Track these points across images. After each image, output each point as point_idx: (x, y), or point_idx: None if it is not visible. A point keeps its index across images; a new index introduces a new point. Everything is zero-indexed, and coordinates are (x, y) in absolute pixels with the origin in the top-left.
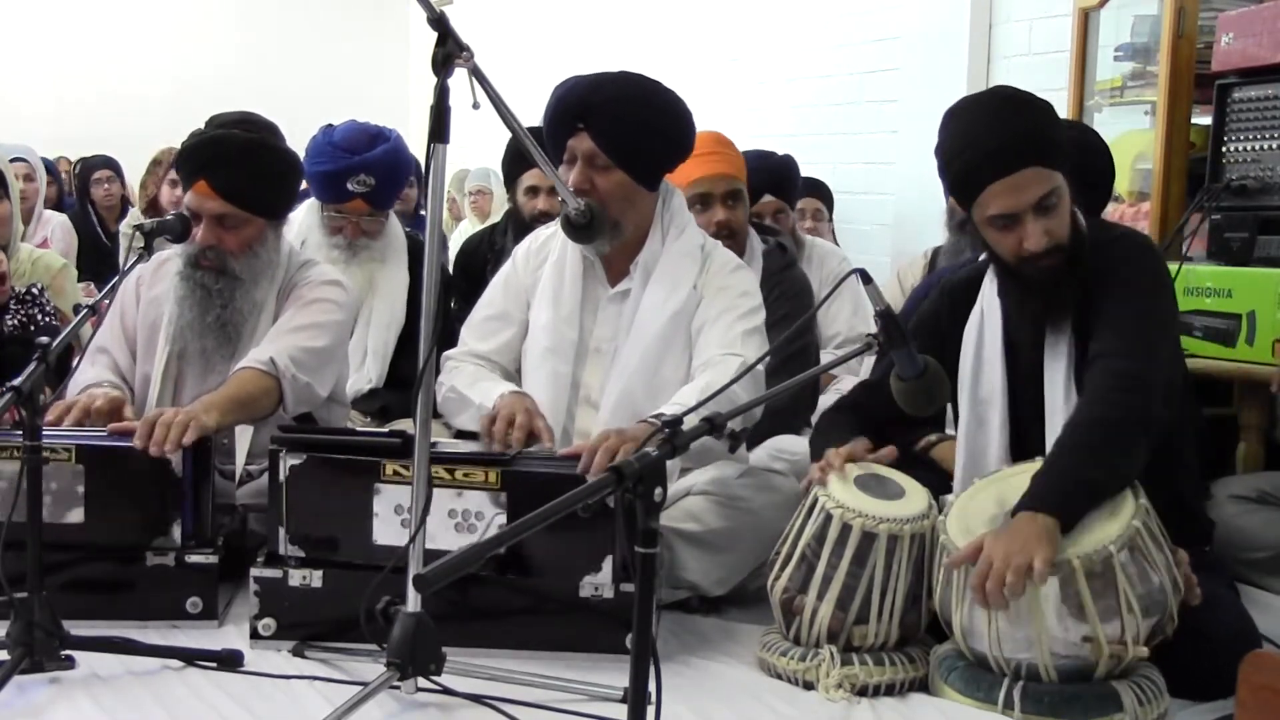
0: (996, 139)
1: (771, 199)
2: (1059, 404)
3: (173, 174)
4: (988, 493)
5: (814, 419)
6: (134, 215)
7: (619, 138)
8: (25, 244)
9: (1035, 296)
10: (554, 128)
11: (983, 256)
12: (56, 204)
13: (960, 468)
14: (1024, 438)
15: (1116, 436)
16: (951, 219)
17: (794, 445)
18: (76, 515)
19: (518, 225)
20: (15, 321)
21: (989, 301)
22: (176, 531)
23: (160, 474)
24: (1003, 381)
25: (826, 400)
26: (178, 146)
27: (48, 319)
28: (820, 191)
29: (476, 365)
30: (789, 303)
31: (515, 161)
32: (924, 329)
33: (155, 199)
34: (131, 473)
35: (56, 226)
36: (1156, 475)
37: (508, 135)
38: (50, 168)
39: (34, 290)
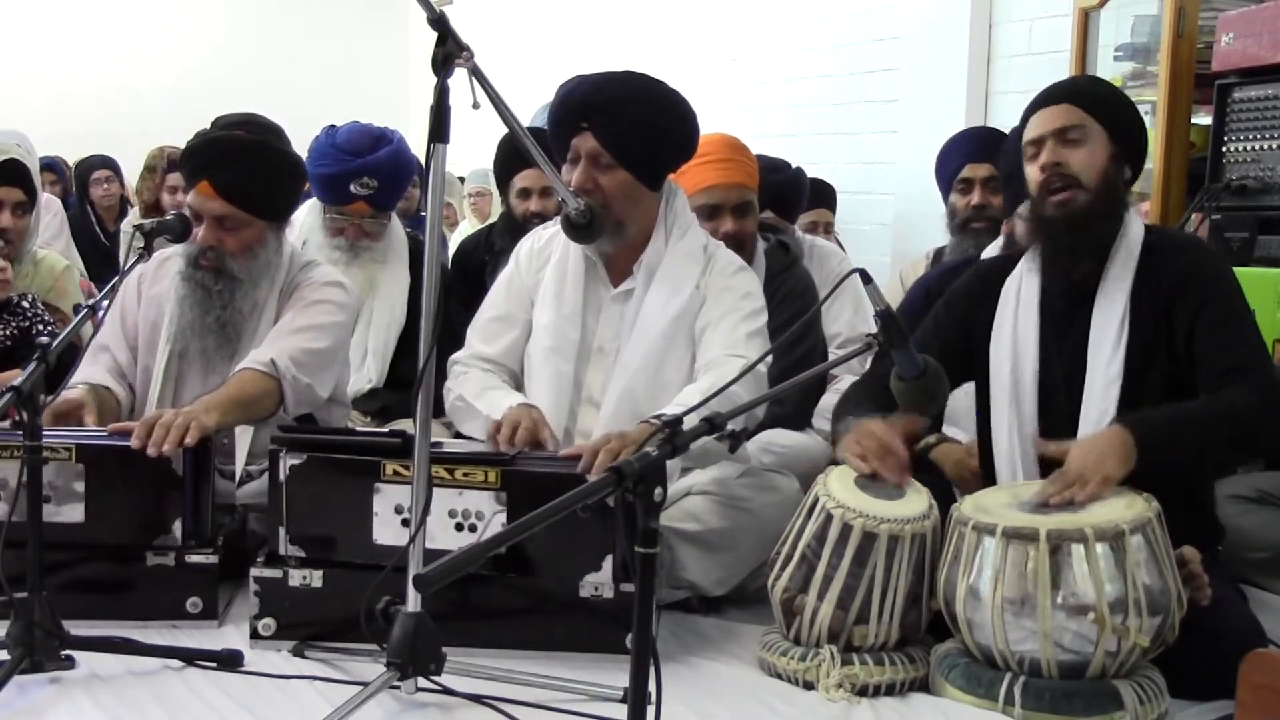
0: (1054, 86)
1: (772, 215)
2: (1102, 362)
3: (171, 179)
4: (1001, 493)
5: (814, 420)
6: (134, 215)
7: (622, 137)
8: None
9: (1060, 238)
10: (558, 126)
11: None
12: (60, 203)
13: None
14: (1051, 403)
15: (1235, 437)
16: (952, 221)
17: (784, 439)
18: (77, 514)
19: (511, 227)
20: (6, 333)
21: (1028, 267)
22: (178, 529)
23: (161, 472)
24: (1036, 344)
25: (828, 400)
26: (168, 149)
27: (45, 324)
28: (828, 200)
29: (484, 371)
30: (794, 304)
31: (507, 163)
32: (954, 306)
33: (156, 203)
34: (132, 471)
35: (44, 208)
36: (1177, 474)
37: (503, 136)
38: (55, 166)
39: (25, 302)
